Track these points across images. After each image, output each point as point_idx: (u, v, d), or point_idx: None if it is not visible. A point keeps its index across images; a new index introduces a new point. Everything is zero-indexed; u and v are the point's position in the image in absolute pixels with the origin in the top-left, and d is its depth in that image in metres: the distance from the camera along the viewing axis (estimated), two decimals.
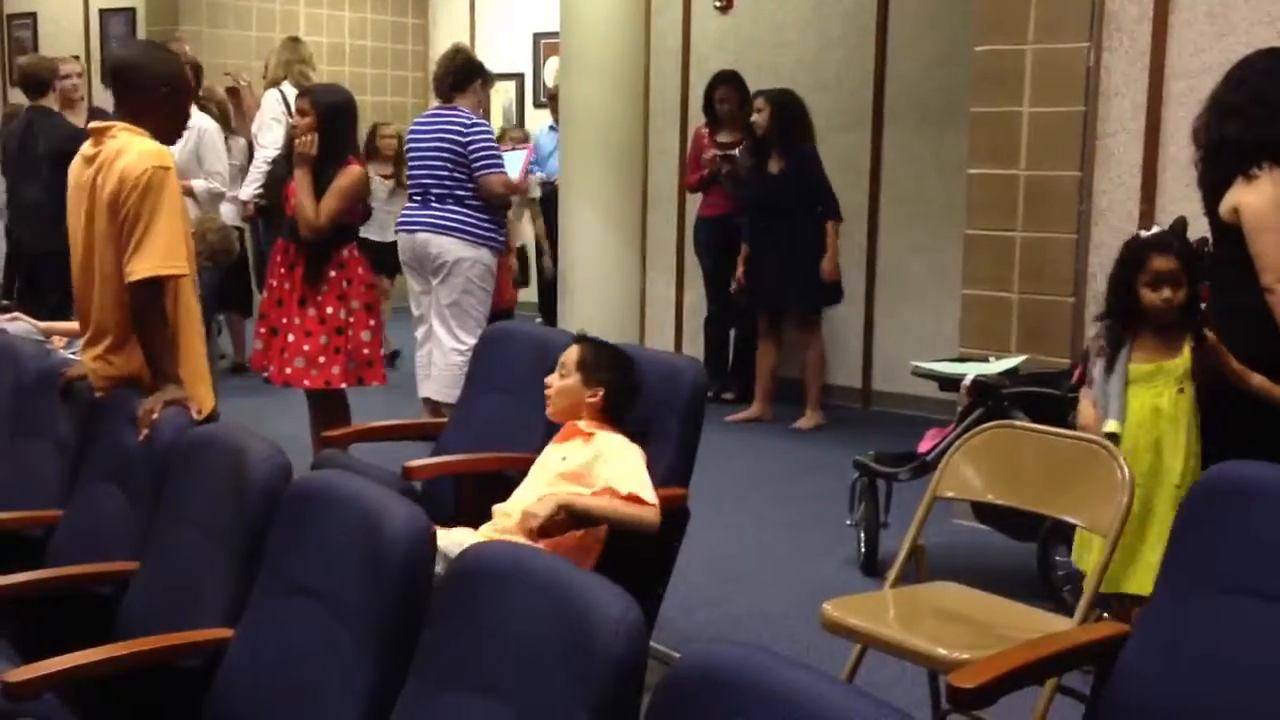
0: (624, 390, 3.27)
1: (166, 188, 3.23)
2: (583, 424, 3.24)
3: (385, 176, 7.79)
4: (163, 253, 3.21)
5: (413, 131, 5.81)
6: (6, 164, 7.33)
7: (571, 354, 3.31)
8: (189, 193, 6.32)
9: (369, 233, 6.10)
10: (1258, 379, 3.25)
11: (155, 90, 3.39)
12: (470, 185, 5.57)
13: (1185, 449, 3.27)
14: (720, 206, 7.11)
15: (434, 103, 6.00)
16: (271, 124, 7.21)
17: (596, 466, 3.10)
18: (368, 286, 5.05)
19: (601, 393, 3.24)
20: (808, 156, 6.62)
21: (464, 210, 5.58)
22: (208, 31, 9.61)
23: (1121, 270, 3.34)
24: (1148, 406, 3.29)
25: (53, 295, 6.71)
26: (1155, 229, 3.43)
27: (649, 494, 3.02)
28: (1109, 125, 4.81)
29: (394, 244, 6.03)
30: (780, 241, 6.59)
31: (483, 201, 5.60)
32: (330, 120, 4.94)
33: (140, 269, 3.21)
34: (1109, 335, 3.35)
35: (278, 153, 6.86)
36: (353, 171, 4.94)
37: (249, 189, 7.36)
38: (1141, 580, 3.13)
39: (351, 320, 4.99)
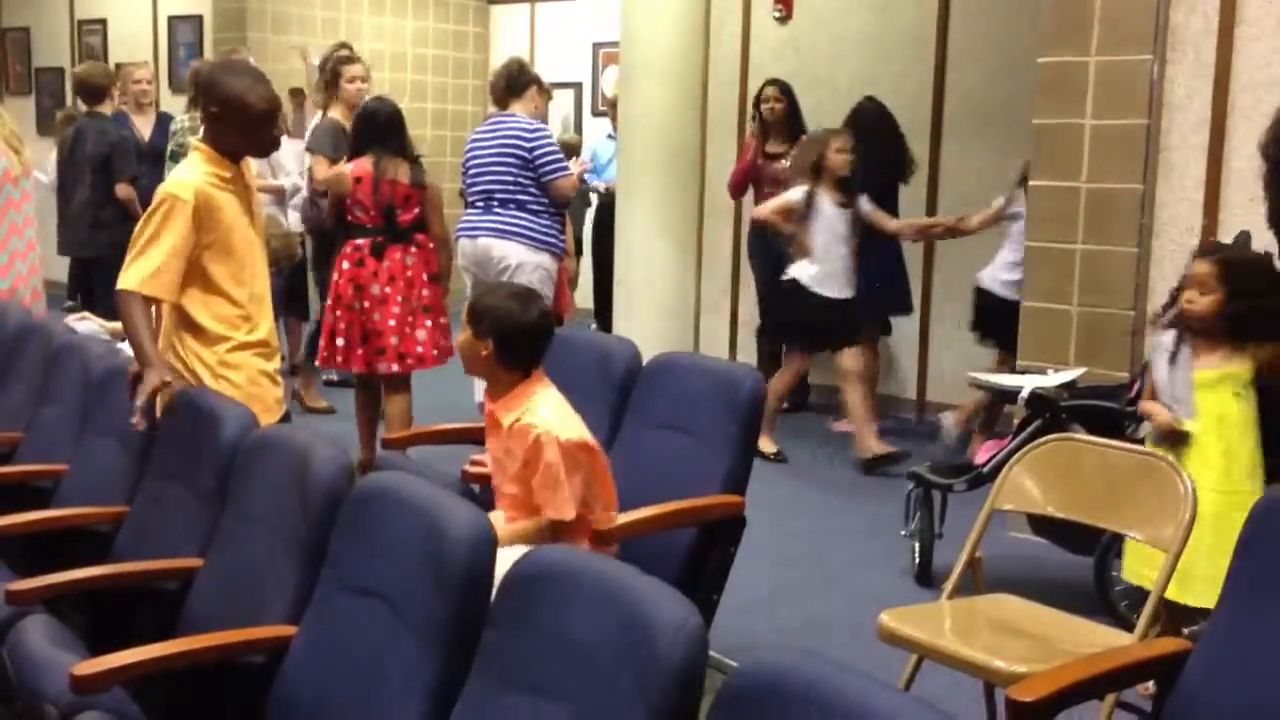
0: (511, 335, 3.05)
1: (173, 214, 3.30)
2: (502, 415, 3.11)
3: (842, 204, 6.06)
4: (146, 273, 3.28)
5: (474, 139, 5.87)
6: (61, 169, 7.52)
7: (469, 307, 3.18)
8: (278, 193, 6.52)
9: (826, 289, 5.98)
10: None
11: (208, 108, 3.46)
12: (533, 190, 5.65)
13: (1250, 457, 3.26)
14: None
15: (492, 110, 6.06)
16: None
17: (532, 476, 3.04)
18: (341, 281, 5.36)
19: (491, 344, 3.05)
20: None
21: (526, 215, 5.66)
22: (272, 39, 9.73)
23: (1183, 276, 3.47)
24: (1213, 413, 3.31)
25: (108, 299, 6.85)
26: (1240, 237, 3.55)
27: (565, 512, 2.97)
28: (1172, 138, 4.77)
29: (848, 301, 6.07)
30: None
31: (544, 206, 5.67)
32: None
33: (123, 280, 3.30)
34: (1176, 338, 3.43)
35: None
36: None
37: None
38: (1200, 591, 3.15)
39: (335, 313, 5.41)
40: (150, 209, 3.34)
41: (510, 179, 5.64)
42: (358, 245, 5.31)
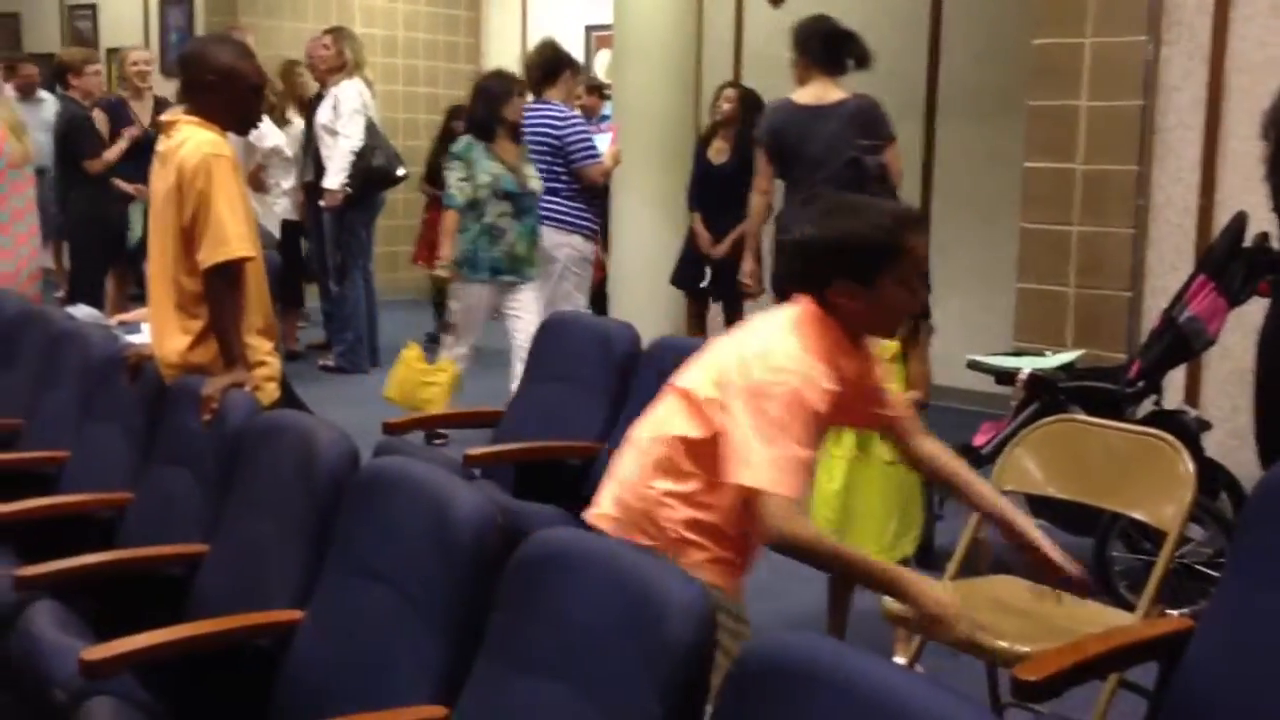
0: None
1: (221, 174, 3.28)
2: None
3: None
4: (225, 237, 3.26)
5: None
6: None
7: None
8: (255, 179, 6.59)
9: None
10: None
11: (204, 79, 3.41)
12: (565, 176, 5.85)
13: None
14: None
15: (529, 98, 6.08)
16: (354, 115, 7.20)
17: None
18: None
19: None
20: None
21: (559, 200, 5.86)
22: (264, 23, 9.68)
23: None
24: None
25: (82, 283, 6.93)
26: None
27: None
28: (1168, 119, 4.78)
29: None
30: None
31: (576, 190, 5.88)
32: None
33: (208, 256, 3.27)
34: None
35: (363, 143, 7.16)
36: None
37: (337, 178, 7.19)
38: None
39: None
40: (197, 180, 3.26)
41: (545, 166, 5.79)
42: None
